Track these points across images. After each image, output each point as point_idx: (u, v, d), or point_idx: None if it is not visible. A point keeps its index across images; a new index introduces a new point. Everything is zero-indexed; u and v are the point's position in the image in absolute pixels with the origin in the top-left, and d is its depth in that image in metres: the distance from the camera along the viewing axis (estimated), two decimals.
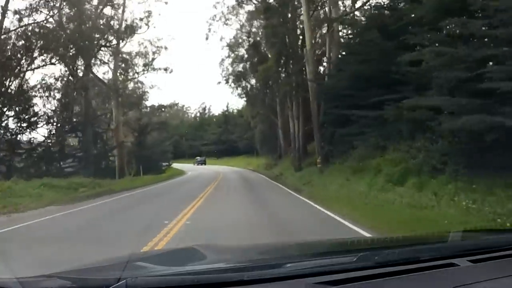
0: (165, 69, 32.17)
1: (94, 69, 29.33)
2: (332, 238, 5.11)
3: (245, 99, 41.54)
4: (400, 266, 1.32)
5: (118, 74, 30.99)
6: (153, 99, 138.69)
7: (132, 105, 34.65)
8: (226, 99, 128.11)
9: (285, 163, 30.86)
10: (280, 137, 36.21)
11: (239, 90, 39.84)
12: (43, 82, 25.09)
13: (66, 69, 26.39)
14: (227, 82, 39.03)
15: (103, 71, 49.17)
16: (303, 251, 1.97)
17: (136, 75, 32.91)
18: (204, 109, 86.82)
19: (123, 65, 31.59)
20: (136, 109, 36.37)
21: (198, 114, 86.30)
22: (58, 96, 26.11)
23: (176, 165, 44.95)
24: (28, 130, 23.58)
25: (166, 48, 32.61)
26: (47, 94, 25.27)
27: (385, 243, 2.24)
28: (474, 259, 1.40)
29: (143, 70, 32.05)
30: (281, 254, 1.89)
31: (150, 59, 31.67)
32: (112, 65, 30.07)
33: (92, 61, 28.16)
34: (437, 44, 10.63)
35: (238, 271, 1.28)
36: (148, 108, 40.08)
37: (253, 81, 37.81)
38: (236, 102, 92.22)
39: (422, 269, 1.31)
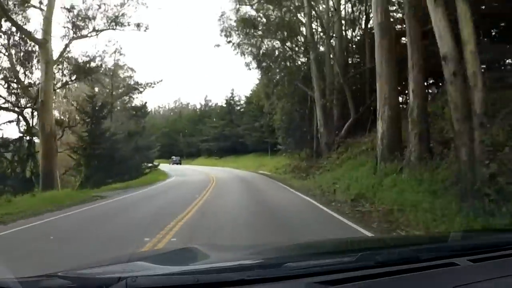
0: (138, 26, 23.23)
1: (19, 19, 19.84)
2: (332, 238, 5.11)
3: (255, 67, 26.61)
4: (400, 266, 1.32)
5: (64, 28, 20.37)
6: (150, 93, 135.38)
7: (79, 72, 23.07)
8: (231, 87, 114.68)
9: (336, 166, 16.36)
10: (318, 121, 21.64)
11: (247, 57, 25.89)
12: None
13: None
14: (228, 38, 25.17)
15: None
16: (303, 251, 1.97)
17: (93, 33, 22.50)
18: (205, 99, 75.50)
19: (71, 19, 21.16)
20: (86, 80, 24.39)
21: (199, 107, 74.26)
22: None
23: (168, 167, 38.07)
24: None
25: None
26: None
27: (385, 243, 2.24)
28: (474, 259, 1.40)
29: (107, 25, 22.47)
30: (281, 254, 1.89)
31: (120, 14, 22.35)
32: (44, 7, 19.84)
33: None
34: None
35: (238, 271, 1.28)
36: (121, 87, 30.24)
37: (267, 43, 25.54)
38: (243, 87, 79.20)
39: (422, 269, 1.31)
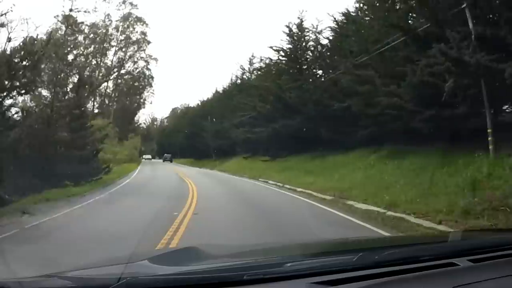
0: None
1: None
2: (332, 238, 5.11)
3: None
4: (400, 266, 1.32)
5: None
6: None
7: None
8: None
9: None
10: None
11: None
12: None
13: None
14: None
15: None
16: (303, 251, 1.97)
17: None
18: (250, 60, 36.88)
19: None
20: None
21: (240, 74, 38.61)
22: None
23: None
24: None
25: None
26: None
27: (385, 243, 2.24)
28: (474, 259, 1.40)
29: None
30: (281, 254, 1.89)
31: None
32: None
33: None
34: None
35: (238, 271, 1.28)
36: None
37: None
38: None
39: (422, 269, 1.31)
